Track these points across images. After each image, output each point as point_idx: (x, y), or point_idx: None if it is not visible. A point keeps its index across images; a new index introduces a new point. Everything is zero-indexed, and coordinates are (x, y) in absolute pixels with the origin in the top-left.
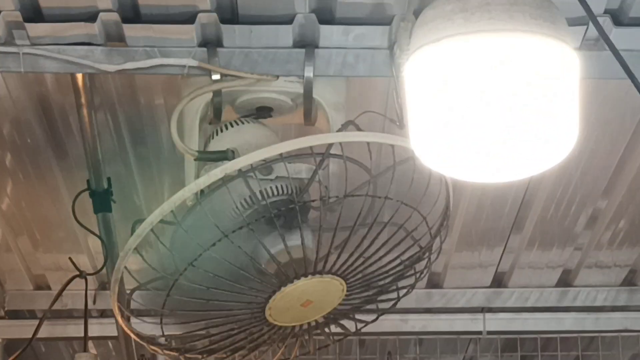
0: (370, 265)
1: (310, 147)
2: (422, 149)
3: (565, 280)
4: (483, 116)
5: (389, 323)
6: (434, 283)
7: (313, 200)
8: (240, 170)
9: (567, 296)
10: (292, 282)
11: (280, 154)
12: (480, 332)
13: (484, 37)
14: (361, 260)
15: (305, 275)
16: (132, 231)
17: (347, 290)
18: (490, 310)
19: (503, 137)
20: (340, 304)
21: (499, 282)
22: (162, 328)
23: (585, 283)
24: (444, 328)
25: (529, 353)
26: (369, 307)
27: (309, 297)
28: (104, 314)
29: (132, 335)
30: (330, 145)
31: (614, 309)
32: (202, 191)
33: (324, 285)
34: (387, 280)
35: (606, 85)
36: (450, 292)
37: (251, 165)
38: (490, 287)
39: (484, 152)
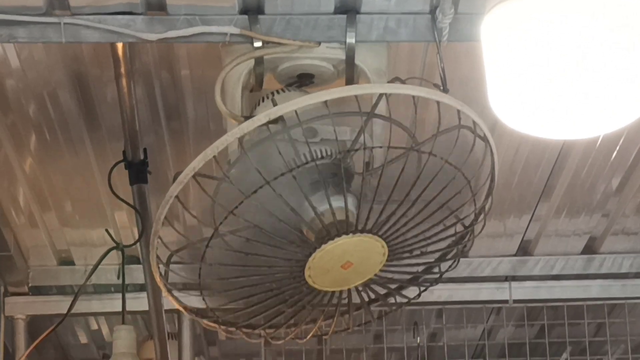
0: (413, 227)
1: (357, 99)
2: (502, 106)
3: (591, 248)
4: (567, 70)
5: (413, 293)
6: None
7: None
8: (284, 125)
9: (592, 263)
10: (333, 239)
11: (327, 107)
12: (506, 301)
13: None
14: (403, 220)
15: (347, 233)
16: (174, 181)
17: (389, 255)
18: (515, 278)
19: (586, 92)
20: (381, 270)
21: (524, 250)
22: (203, 297)
23: (611, 250)
24: (470, 297)
25: (555, 321)
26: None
27: (349, 257)
28: (127, 289)
29: (180, 308)
30: (375, 105)
31: (639, 275)
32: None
33: (365, 246)
34: (430, 248)
35: None
36: (475, 261)
37: (296, 112)
38: (515, 255)
39: (565, 107)
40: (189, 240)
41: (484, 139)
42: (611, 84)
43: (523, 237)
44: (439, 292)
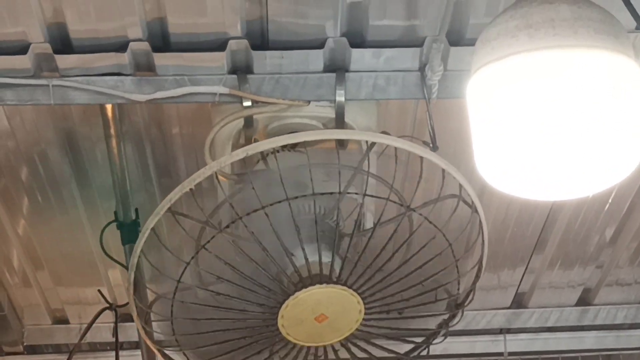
0: (389, 285)
1: (338, 153)
2: (486, 167)
3: (586, 299)
4: (550, 133)
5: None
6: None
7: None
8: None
9: (587, 315)
10: (306, 287)
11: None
12: (501, 354)
13: (549, 53)
14: (379, 276)
15: (320, 283)
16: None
17: (366, 313)
18: (510, 331)
19: (571, 154)
20: (358, 329)
21: (518, 302)
22: (173, 329)
23: (605, 301)
24: (465, 350)
25: None
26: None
27: (324, 310)
28: (123, 346)
29: (146, 340)
30: (361, 161)
31: (634, 326)
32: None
33: (340, 299)
34: (409, 307)
35: None
36: (470, 314)
37: (274, 149)
38: (510, 308)
39: (549, 170)
40: (157, 293)
41: (471, 206)
42: (597, 146)
43: (517, 290)
44: (434, 346)
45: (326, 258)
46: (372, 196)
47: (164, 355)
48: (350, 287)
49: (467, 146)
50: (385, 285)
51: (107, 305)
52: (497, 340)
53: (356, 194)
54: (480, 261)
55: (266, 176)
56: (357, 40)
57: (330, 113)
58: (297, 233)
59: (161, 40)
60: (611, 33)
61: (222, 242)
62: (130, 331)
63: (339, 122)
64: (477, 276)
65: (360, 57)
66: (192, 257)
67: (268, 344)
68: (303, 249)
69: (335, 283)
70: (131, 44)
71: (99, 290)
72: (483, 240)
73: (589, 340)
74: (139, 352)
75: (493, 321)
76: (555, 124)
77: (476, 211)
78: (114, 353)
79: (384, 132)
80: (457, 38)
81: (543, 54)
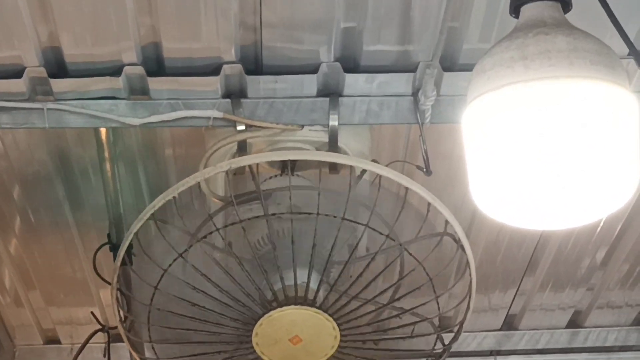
0: (366, 313)
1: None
2: (481, 196)
3: (576, 322)
4: (546, 163)
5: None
6: (444, 327)
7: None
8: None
9: (577, 337)
10: (281, 307)
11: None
12: None
13: (545, 84)
14: (355, 304)
15: (295, 304)
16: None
17: (341, 340)
18: (500, 353)
19: (565, 185)
20: (334, 356)
21: (509, 324)
22: (149, 335)
23: (596, 324)
24: None
25: None
26: None
27: (298, 331)
28: None
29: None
30: (348, 190)
31: (624, 348)
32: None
33: (315, 322)
34: (385, 338)
35: None
36: (461, 335)
37: (257, 165)
38: (500, 329)
39: (545, 200)
40: (132, 296)
41: (457, 242)
42: (592, 175)
43: (508, 312)
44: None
45: (312, 282)
46: (350, 220)
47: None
48: (325, 312)
49: (459, 169)
50: (361, 314)
51: (100, 327)
52: None
53: (334, 217)
54: (468, 302)
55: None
56: (350, 65)
57: (324, 137)
58: (273, 252)
59: (155, 64)
60: (607, 64)
61: (207, 253)
62: (122, 351)
63: (332, 146)
64: (464, 317)
65: (353, 82)
66: (170, 265)
67: None
68: (279, 268)
69: (310, 305)
70: (126, 68)
71: (91, 312)
72: (471, 279)
73: None
74: None
75: (484, 343)
76: (550, 154)
77: (463, 249)
78: None
79: (373, 161)
80: (451, 63)
81: (539, 84)
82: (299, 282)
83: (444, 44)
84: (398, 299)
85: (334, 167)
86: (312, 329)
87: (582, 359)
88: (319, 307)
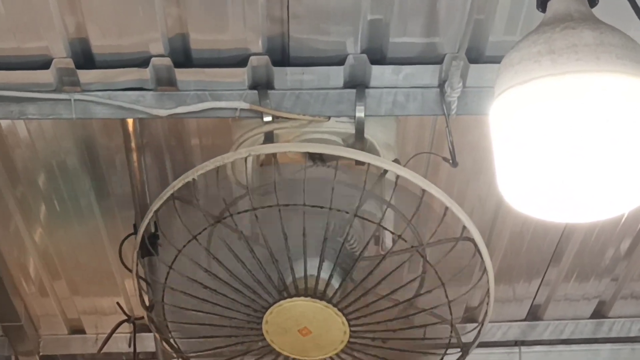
0: (376, 311)
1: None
2: (508, 189)
3: (600, 312)
4: (572, 157)
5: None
6: (469, 318)
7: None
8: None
9: (602, 327)
10: (290, 297)
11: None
12: None
13: (572, 77)
14: (364, 301)
15: (305, 296)
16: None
17: (351, 336)
18: (525, 343)
19: (591, 178)
20: (343, 351)
21: (534, 315)
22: (163, 313)
23: (620, 314)
24: None
25: None
26: None
27: (307, 323)
28: (139, 357)
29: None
30: (363, 188)
31: None
32: None
33: (325, 316)
34: (395, 338)
35: None
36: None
37: (275, 155)
38: (525, 320)
39: (571, 193)
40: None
41: (475, 246)
42: (617, 168)
43: (533, 302)
44: (449, 357)
45: (324, 274)
46: (362, 218)
47: (167, 342)
48: (335, 306)
49: (485, 160)
50: (371, 312)
51: (126, 317)
52: (512, 353)
53: (347, 212)
54: (486, 310)
55: (287, 184)
56: (377, 56)
57: (350, 129)
58: (285, 242)
59: (183, 55)
60: (633, 58)
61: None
62: (147, 342)
63: (359, 137)
64: (480, 327)
65: (380, 74)
66: (184, 246)
67: (253, 346)
68: (290, 259)
69: (319, 299)
70: (153, 59)
71: (117, 303)
72: (488, 288)
73: (604, 353)
74: None
75: (508, 333)
76: (577, 147)
77: (479, 253)
78: None
79: (395, 161)
80: (477, 55)
81: (566, 78)
82: (313, 274)
83: (470, 36)
84: (410, 299)
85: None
86: (321, 322)
87: (606, 349)
88: (329, 302)
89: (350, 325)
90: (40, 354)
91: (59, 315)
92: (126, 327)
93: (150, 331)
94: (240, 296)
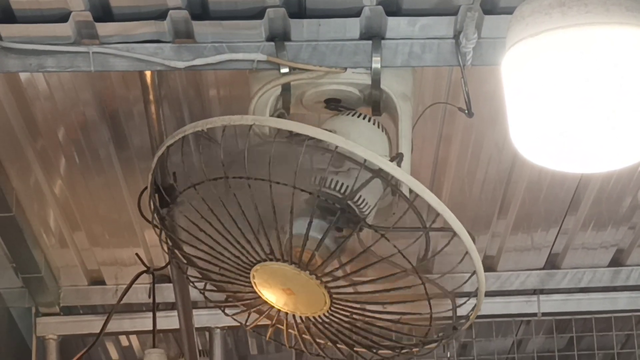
0: (355, 293)
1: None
2: (521, 140)
3: (618, 260)
4: (583, 108)
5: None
6: (488, 266)
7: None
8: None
9: (620, 275)
10: (272, 260)
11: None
12: (535, 314)
13: (581, 30)
14: (349, 280)
15: (290, 263)
16: None
17: (331, 308)
18: (543, 291)
19: (602, 128)
20: (324, 318)
21: (552, 263)
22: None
23: (638, 262)
24: (499, 311)
25: (583, 333)
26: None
27: (290, 285)
28: (159, 307)
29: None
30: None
31: None
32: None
33: (305, 283)
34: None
35: None
36: (504, 274)
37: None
38: (543, 268)
39: (583, 143)
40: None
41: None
42: (626, 118)
43: (551, 251)
44: (467, 307)
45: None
46: (302, 190)
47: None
48: (317, 277)
49: (501, 110)
50: (352, 292)
51: (145, 268)
52: (531, 301)
53: (285, 184)
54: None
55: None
56: (392, 8)
57: (367, 80)
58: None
59: (200, 8)
60: None
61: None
62: (167, 292)
63: (375, 88)
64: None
65: (396, 25)
66: (185, 190)
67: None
68: (277, 223)
69: (302, 269)
70: (171, 11)
71: (136, 254)
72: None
73: (622, 301)
74: (174, 312)
75: (527, 282)
76: (587, 98)
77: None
78: (149, 314)
79: (398, 154)
80: (491, 6)
81: (576, 30)
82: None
83: None
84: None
85: (377, 109)
86: (303, 287)
87: (624, 297)
88: (312, 273)
89: (331, 299)
90: (61, 304)
91: (78, 266)
92: (145, 278)
93: (170, 281)
94: (231, 247)
